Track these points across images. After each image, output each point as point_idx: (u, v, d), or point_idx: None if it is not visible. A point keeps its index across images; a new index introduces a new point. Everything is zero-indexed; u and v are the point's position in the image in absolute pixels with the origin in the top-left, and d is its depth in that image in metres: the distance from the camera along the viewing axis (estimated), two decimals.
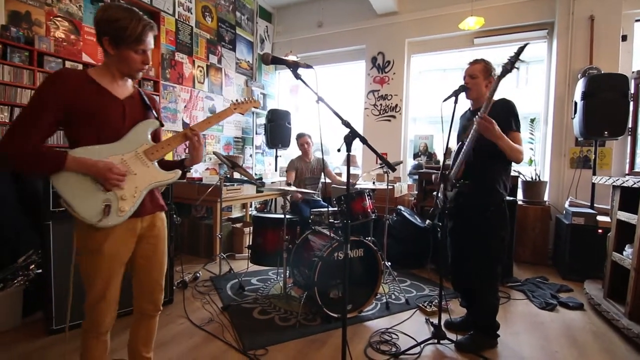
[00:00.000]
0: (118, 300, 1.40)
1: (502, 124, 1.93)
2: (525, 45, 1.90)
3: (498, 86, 1.92)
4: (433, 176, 2.30)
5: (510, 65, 1.89)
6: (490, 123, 1.87)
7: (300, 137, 4.06)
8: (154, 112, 1.48)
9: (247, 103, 1.66)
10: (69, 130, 1.29)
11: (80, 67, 3.28)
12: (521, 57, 1.87)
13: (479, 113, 1.92)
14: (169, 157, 1.54)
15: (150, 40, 1.33)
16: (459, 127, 2.34)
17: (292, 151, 5.45)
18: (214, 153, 3.40)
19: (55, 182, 1.22)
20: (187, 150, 1.56)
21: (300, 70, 1.44)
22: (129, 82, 1.43)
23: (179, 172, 1.45)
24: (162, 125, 1.49)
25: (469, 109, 2.28)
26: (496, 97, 2.15)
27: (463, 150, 2.05)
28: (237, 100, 1.66)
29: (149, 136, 1.41)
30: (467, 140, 2.00)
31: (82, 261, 1.32)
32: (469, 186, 2.06)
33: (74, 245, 1.32)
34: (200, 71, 4.81)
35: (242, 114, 1.66)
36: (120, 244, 1.34)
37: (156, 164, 1.41)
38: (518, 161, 2.00)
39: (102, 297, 1.33)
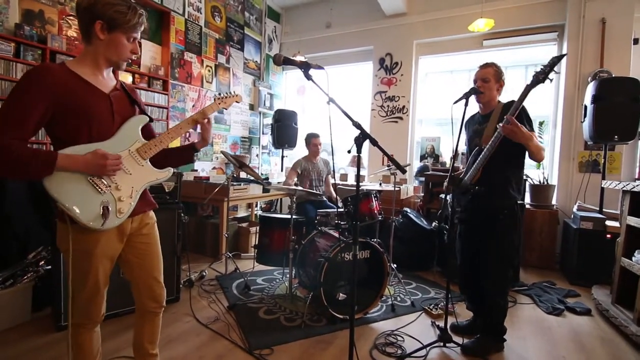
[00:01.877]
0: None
1: None
2: (562, 56, 1.92)
3: (527, 95, 1.91)
4: (445, 184, 2.29)
5: (543, 76, 1.87)
6: (518, 127, 1.85)
7: (314, 137, 4.02)
8: (138, 106, 1.44)
9: (230, 98, 1.63)
10: (55, 129, 1.22)
11: None
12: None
13: (505, 116, 1.89)
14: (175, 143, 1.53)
15: (140, 30, 1.32)
16: (467, 131, 2.33)
17: (298, 151, 5.46)
18: (222, 152, 3.41)
19: (49, 187, 1.16)
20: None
21: (311, 71, 1.44)
22: (111, 74, 1.38)
23: (171, 170, 1.46)
24: (151, 120, 1.46)
25: (478, 112, 2.26)
26: (505, 99, 2.16)
27: (482, 155, 2.03)
28: (219, 94, 1.64)
29: (140, 133, 1.38)
30: (487, 146, 1.99)
31: (74, 260, 1.28)
32: (483, 191, 2.06)
33: (62, 245, 1.28)
34: (209, 71, 4.83)
35: (226, 109, 1.66)
36: (111, 244, 1.34)
37: (149, 162, 1.39)
38: (541, 159, 2.01)
39: (97, 292, 1.35)
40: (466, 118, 2.27)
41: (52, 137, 1.24)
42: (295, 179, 3.97)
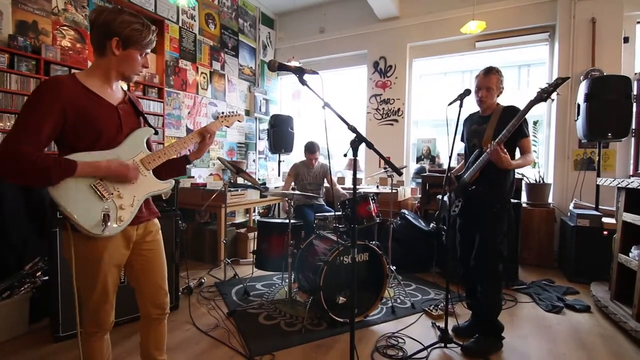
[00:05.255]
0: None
1: (516, 131, 2.00)
2: (567, 78, 1.99)
3: (529, 111, 1.97)
4: (445, 188, 2.34)
5: (546, 95, 1.94)
6: (504, 157, 1.96)
7: (310, 152, 3.87)
8: (143, 118, 1.48)
9: (232, 117, 1.72)
10: (65, 139, 1.24)
11: None
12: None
13: (492, 142, 2.00)
14: None
15: (152, 46, 1.40)
16: (466, 129, 2.39)
17: (295, 156, 5.47)
18: (219, 159, 3.40)
19: (54, 193, 1.17)
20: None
21: (305, 76, 1.46)
22: (118, 86, 1.42)
23: (173, 182, 1.49)
24: (156, 132, 1.50)
25: (478, 112, 2.31)
26: (503, 102, 2.23)
27: (480, 159, 2.10)
28: (223, 113, 1.72)
29: (145, 144, 1.42)
30: (485, 154, 2.06)
31: (81, 268, 1.29)
32: (480, 190, 2.15)
33: (68, 254, 1.28)
34: (204, 78, 4.84)
35: (228, 127, 1.71)
36: (117, 251, 1.35)
37: (152, 172, 1.42)
38: (529, 164, 2.16)
39: (106, 300, 1.36)
40: (464, 116, 2.33)
41: (60, 146, 1.26)
42: (293, 184, 3.97)
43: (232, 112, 1.72)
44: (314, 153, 3.87)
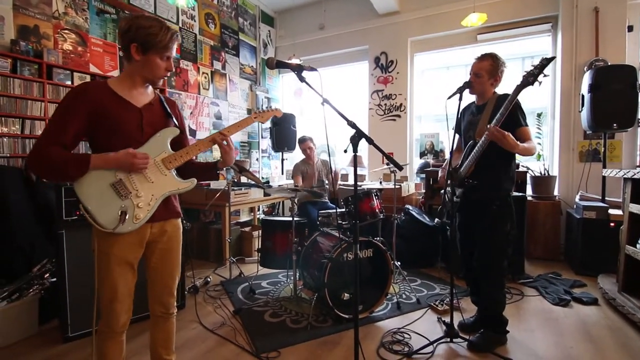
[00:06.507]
0: (132, 302, 1.43)
1: (510, 121, 1.94)
2: (552, 58, 1.90)
3: (517, 96, 1.91)
4: (440, 173, 2.30)
5: (532, 78, 1.87)
6: (504, 136, 1.85)
7: (301, 142, 4.04)
8: (174, 119, 1.52)
9: (268, 112, 1.72)
10: (92, 141, 1.36)
11: (87, 78, 3.33)
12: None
13: (489, 126, 1.91)
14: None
15: (174, 48, 1.42)
16: (464, 121, 2.33)
17: (298, 154, 5.46)
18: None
19: (77, 189, 1.28)
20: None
21: (305, 73, 1.45)
22: (149, 89, 1.48)
23: (195, 180, 1.49)
24: (182, 131, 1.53)
25: (474, 102, 2.27)
26: (501, 91, 2.16)
27: (474, 151, 2.04)
28: (258, 110, 1.72)
29: (169, 144, 1.44)
30: (479, 142, 2.00)
31: (96, 262, 1.37)
32: (477, 184, 2.08)
33: (93, 246, 1.37)
34: (205, 77, 4.85)
35: (263, 123, 1.72)
36: (128, 248, 1.38)
37: (174, 172, 1.44)
38: (532, 155, 2.02)
39: (115, 297, 1.37)
40: (463, 109, 2.28)
41: (93, 148, 1.37)
42: (301, 182, 3.99)
43: (270, 107, 1.70)
44: (304, 142, 3.99)
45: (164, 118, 1.49)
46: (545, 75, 1.86)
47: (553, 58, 1.86)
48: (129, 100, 1.38)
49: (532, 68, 1.89)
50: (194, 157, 1.52)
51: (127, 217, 1.31)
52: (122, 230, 1.30)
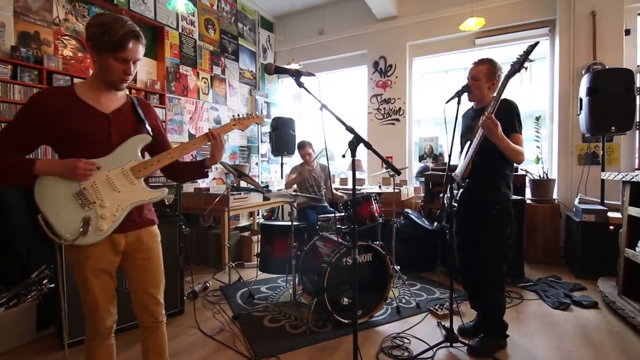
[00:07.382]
0: (115, 303, 1.43)
1: (504, 125, 1.93)
2: (536, 44, 1.92)
3: (506, 86, 1.93)
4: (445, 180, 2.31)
5: (518, 65, 1.90)
6: (495, 125, 1.86)
7: (300, 148, 3.97)
8: (147, 126, 1.43)
9: (249, 119, 1.61)
10: (56, 149, 1.31)
11: None
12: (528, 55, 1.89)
13: (485, 112, 1.91)
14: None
15: (133, 49, 1.26)
16: (462, 126, 2.34)
17: (297, 158, 5.47)
18: (221, 163, 3.41)
19: (38, 197, 1.22)
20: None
21: (303, 78, 1.45)
22: (120, 93, 1.39)
23: (166, 190, 1.43)
24: (154, 138, 1.44)
25: (472, 107, 2.28)
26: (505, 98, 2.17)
27: (471, 147, 2.04)
28: (238, 116, 1.61)
29: (139, 152, 1.38)
30: (474, 140, 2.00)
31: (74, 272, 1.35)
32: (475, 185, 2.08)
33: (69, 257, 1.34)
34: (205, 83, 4.87)
35: (242, 130, 1.64)
36: (102, 258, 1.34)
37: (142, 181, 1.37)
38: (518, 162, 2.02)
39: (97, 305, 1.36)
40: (462, 113, 2.28)
41: (58, 154, 1.32)
42: (295, 187, 3.97)
43: (249, 114, 1.60)
44: (303, 148, 3.94)
45: (134, 124, 1.40)
46: (530, 61, 1.88)
47: (537, 43, 1.90)
48: (95, 106, 1.30)
49: (517, 57, 1.91)
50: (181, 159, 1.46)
51: (89, 228, 1.24)
52: (84, 242, 1.24)
